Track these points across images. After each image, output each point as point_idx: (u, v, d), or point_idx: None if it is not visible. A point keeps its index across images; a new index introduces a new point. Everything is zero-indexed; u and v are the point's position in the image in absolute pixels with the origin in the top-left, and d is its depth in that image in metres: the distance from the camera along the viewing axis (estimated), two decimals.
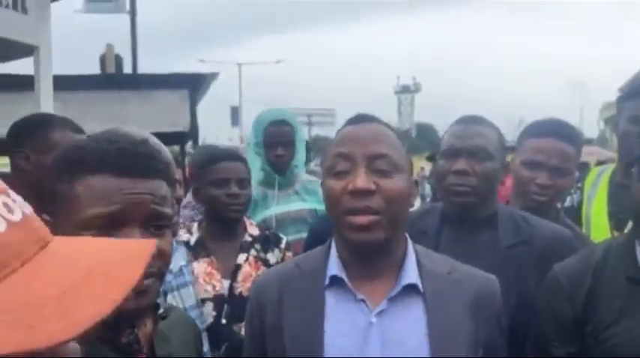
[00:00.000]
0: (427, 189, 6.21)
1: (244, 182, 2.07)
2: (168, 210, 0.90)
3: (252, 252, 2.06)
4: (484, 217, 1.62)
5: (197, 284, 1.97)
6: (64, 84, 5.02)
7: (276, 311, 1.17)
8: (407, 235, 1.21)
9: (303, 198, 2.58)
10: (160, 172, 0.90)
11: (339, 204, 1.11)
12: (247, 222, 2.16)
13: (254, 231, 2.13)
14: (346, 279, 1.14)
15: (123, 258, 0.53)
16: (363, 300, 1.13)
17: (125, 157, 0.86)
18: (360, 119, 1.20)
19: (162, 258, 0.89)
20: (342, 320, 1.13)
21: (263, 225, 2.38)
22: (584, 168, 3.12)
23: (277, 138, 2.54)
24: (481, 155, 1.60)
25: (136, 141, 0.89)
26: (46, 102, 2.29)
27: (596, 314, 1.29)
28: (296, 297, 1.17)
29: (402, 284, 1.14)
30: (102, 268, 0.50)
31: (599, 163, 4.49)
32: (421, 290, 1.14)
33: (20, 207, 0.51)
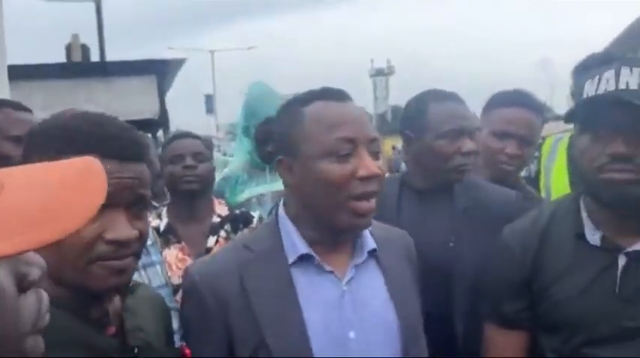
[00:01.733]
0: (403, 166, 6.21)
1: (200, 156, 2.09)
2: (149, 193, 0.93)
3: (222, 233, 2.07)
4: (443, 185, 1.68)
5: (171, 271, 1.99)
6: (28, 73, 4.93)
7: (241, 300, 1.13)
8: None
9: None
10: (143, 156, 0.92)
11: (344, 189, 1.10)
12: (216, 201, 2.17)
13: (223, 211, 2.14)
14: (315, 255, 1.16)
15: (82, 177, 0.55)
16: (331, 272, 1.16)
17: (113, 140, 0.88)
18: (339, 96, 1.17)
19: (141, 239, 0.91)
20: (315, 295, 1.14)
21: (255, 202, 2.41)
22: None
23: (269, 136, 2.42)
24: (477, 134, 1.68)
25: (124, 127, 0.91)
26: (1, 79, 2.23)
27: (543, 271, 1.33)
28: (261, 281, 1.14)
29: (365, 250, 1.19)
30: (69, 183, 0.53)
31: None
32: (377, 253, 1.20)
33: None
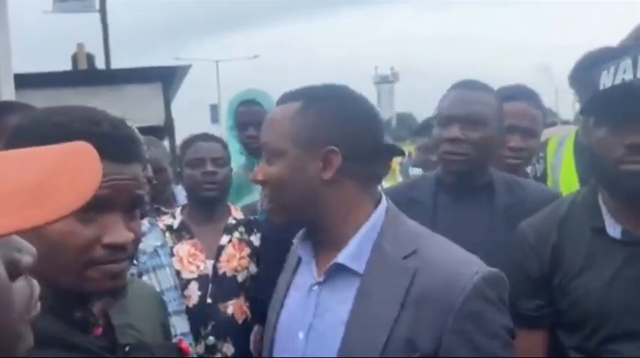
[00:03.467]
0: (411, 171, 6.16)
1: (220, 161, 2.08)
2: (145, 194, 0.92)
3: (236, 234, 2.07)
4: (481, 182, 1.64)
5: (182, 264, 1.99)
6: (33, 81, 4.95)
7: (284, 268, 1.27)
8: (386, 206, 1.12)
9: None
10: (139, 156, 0.90)
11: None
12: (232, 207, 2.17)
13: (238, 215, 2.14)
14: (296, 244, 1.19)
15: (77, 158, 0.53)
16: (311, 268, 1.14)
17: (109, 140, 0.84)
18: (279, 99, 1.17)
19: (135, 241, 0.89)
20: (298, 283, 1.17)
21: (248, 211, 2.40)
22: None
23: (247, 118, 2.49)
24: (475, 121, 1.59)
25: (118, 124, 0.88)
26: (7, 87, 2.24)
27: (562, 266, 1.30)
28: (285, 252, 1.26)
29: (333, 261, 1.09)
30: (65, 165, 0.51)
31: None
32: (358, 271, 1.07)
33: None
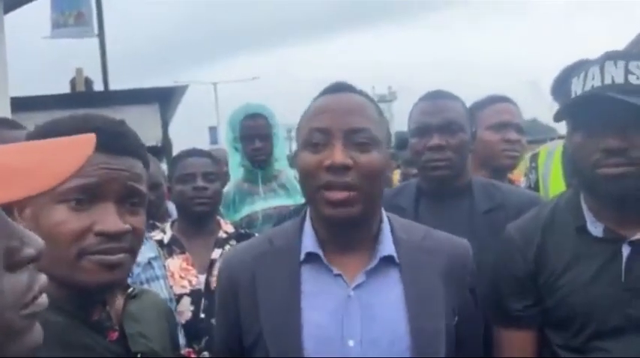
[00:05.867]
0: None
1: (211, 176, 2.10)
2: (143, 188, 0.92)
3: (228, 247, 2.07)
4: (460, 187, 1.68)
5: (173, 280, 1.99)
6: (31, 104, 5.01)
7: (250, 289, 1.15)
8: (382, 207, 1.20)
9: (290, 194, 2.56)
10: (135, 151, 0.92)
11: (314, 178, 1.09)
12: (222, 221, 2.18)
13: (229, 228, 2.15)
14: (322, 255, 1.13)
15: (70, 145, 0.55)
16: (339, 275, 1.12)
17: (101, 134, 0.86)
18: (337, 88, 1.16)
19: (135, 235, 0.90)
20: (320, 296, 1.12)
21: (248, 221, 2.40)
22: None
23: (253, 131, 2.51)
24: (453, 127, 1.65)
25: (112, 121, 0.93)
26: (3, 110, 2.28)
27: (547, 266, 1.32)
28: (270, 274, 1.15)
29: (379, 256, 1.13)
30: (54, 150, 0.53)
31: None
32: (397, 261, 1.14)
33: None
